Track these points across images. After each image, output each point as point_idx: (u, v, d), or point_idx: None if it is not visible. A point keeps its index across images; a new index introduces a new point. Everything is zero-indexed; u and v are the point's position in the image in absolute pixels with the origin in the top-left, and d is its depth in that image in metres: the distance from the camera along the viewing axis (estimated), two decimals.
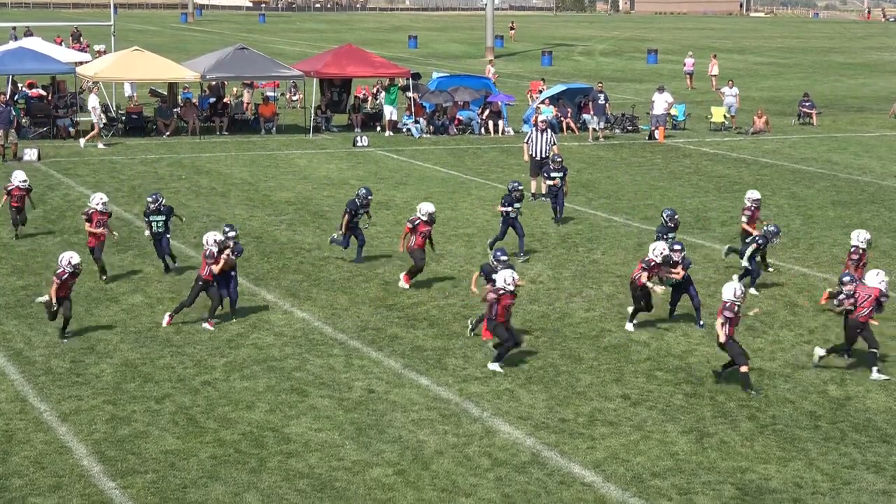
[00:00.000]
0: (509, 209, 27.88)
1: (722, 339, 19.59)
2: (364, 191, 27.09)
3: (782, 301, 25.03)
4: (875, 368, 20.59)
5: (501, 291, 20.21)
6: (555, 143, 35.66)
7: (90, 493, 15.49)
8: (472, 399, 19.12)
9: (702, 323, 23.04)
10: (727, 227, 31.82)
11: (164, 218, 25.88)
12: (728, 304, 19.60)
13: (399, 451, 17.05)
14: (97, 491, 15.58)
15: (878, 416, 18.81)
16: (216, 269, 22.32)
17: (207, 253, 22.36)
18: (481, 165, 41.68)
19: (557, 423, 18.20)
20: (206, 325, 22.41)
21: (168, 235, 26.13)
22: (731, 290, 19.75)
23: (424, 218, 25.06)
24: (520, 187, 28.28)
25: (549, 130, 35.97)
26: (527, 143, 36.15)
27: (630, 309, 23.12)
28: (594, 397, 19.36)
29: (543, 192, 33.76)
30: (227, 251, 22.61)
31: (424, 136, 48.19)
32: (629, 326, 22.99)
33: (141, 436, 17.36)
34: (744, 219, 26.95)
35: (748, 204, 27.03)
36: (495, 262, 21.61)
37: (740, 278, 24.32)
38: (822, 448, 17.49)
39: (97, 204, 25.58)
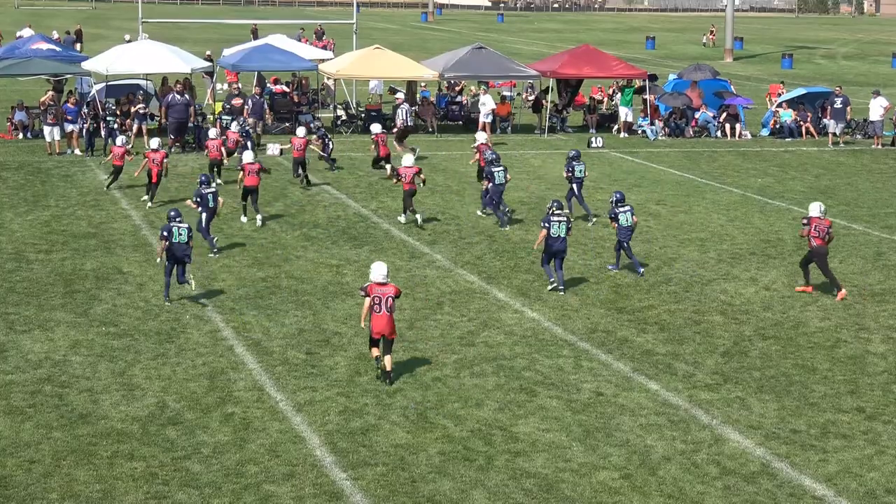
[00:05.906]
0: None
1: None
2: None
3: None
4: None
5: None
6: None
7: (322, 483, 15.86)
8: (701, 406, 18.94)
9: None
10: None
11: None
12: None
13: (626, 455, 17.01)
14: (329, 481, 15.94)
15: None
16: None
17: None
18: (717, 169, 41.14)
19: (789, 434, 17.89)
20: None
21: None
22: None
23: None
24: None
25: None
26: None
27: None
28: (827, 409, 18.97)
29: None
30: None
31: (660, 138, 47.86)
32: None
33: (372, 429, 17.70)
34: None
35: None
36: None
37: None
38: None
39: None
